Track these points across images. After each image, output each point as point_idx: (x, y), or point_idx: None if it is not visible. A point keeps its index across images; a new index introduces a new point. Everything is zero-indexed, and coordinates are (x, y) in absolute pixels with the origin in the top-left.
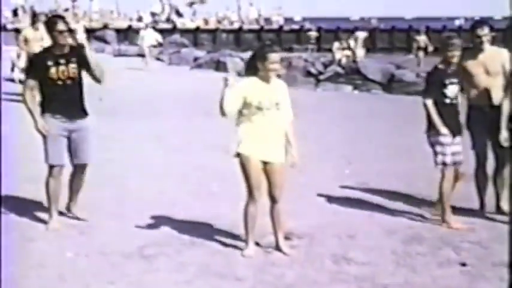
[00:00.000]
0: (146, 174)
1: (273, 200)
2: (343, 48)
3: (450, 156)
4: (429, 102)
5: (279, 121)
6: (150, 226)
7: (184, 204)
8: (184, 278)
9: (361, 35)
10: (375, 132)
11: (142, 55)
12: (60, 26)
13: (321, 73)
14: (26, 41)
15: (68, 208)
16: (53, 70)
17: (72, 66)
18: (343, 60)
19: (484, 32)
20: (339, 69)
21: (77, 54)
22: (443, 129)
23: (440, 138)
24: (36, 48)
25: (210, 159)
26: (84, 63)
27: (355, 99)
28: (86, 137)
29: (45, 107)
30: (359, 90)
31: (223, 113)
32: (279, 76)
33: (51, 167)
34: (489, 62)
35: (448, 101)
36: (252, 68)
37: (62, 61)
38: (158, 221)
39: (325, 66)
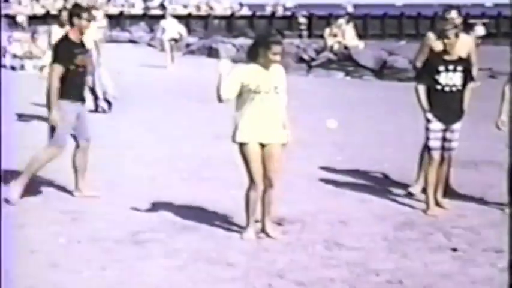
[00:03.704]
0: (138, 160)
1: (269, 183)
2: (335, 35)
3: (434, 141)
4: (419, 87)
5: (277, 104)
6: (142, 212)
7: (176, 190)
8: (176, 263)
9: (340, 21)
10: (366, 118)
11: (133, 41)
12: (85, 14)
13: (313, 59)
14: None
15: (77, 187)
16: (79, 57)
17: (86, 54)
18: (335, 47)
19: (453, 16)
20: (331, 56)
21: (85, 44)
22: (427, 115)
23: (427, 122)
24: None
25: (202, 145)
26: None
27: (347, 86)
28: (86, 117)
29: (63, 93)
30: (351, 76)
31: (220, 99)
32: None
33: (58, 147)
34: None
35: (439, 87)
36: (253, 53)
37: (81, 50)
38: (150, 207)
39: (317, 52)
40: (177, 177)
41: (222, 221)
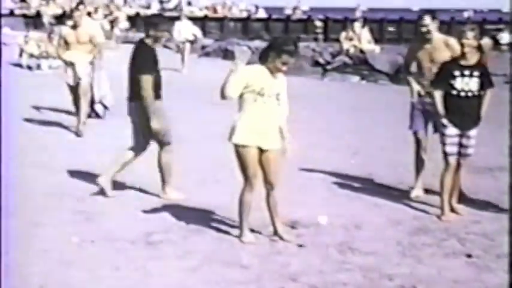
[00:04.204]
0: (152, 161)
1: (271, 186)
2: (350, 39)
3: (450, 147)
4: (436, 92)
5: (277, 111)
6: (155, 213)
7: (190, 191)
8: (189, 265)
9: (356, 25)
10: (381, 122)
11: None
12: (163, 25)
13: (328, 63)
14: None
15: (163, 190)
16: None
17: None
18: (351, 50)
19: (426, 22)
20: (347, 60)
21: None
22: (443, 120)
23: (443, 128)
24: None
25: (216, 147)
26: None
27: (363, 90)
28: None
29: (155, 96)
30: (366, 80)
31: (223, 96)
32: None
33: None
34: (434, 51)
35: (455, 92)
36: (264, 56)
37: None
38: (164, 208)
39: (333, 56)
40: (191, 178)
41: (235, 223)
